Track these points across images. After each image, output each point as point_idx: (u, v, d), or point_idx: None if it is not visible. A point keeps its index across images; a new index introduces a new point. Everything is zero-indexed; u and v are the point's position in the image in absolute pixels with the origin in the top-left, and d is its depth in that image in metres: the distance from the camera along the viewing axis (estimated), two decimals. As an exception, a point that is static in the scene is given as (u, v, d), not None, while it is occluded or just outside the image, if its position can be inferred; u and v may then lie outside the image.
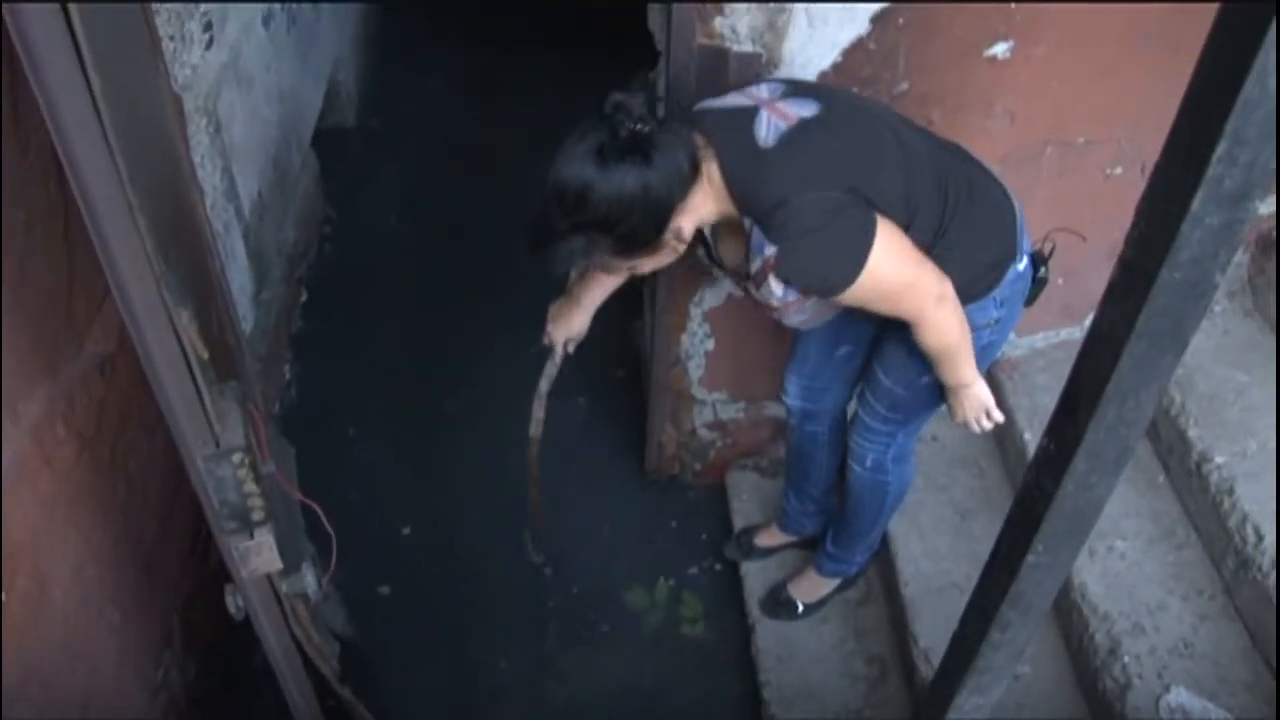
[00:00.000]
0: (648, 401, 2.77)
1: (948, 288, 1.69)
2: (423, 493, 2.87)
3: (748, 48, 2.00)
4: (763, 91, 1.69)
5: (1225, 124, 0.71)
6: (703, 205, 1.65)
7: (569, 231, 1.59)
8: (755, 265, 1.66)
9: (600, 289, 2.06)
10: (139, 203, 1.10)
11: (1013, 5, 1.98)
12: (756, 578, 2.58)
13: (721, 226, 1.79)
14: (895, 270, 1.63)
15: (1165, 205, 0.79)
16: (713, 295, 2.45)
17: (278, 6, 3.00)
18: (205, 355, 1.26)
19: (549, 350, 2.14)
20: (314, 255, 3.47)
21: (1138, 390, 0.91)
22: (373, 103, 4.18)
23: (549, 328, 2.12)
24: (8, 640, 1.47)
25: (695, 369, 2.62)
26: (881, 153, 1.66)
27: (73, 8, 0.94)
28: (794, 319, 1.80)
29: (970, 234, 1.74)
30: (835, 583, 2.48)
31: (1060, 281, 2.41)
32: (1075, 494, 1.00)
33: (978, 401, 1.86)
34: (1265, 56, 0.68)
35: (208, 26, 2.37)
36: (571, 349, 2.15)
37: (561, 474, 2.85)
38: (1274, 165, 0.74)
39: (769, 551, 2.61)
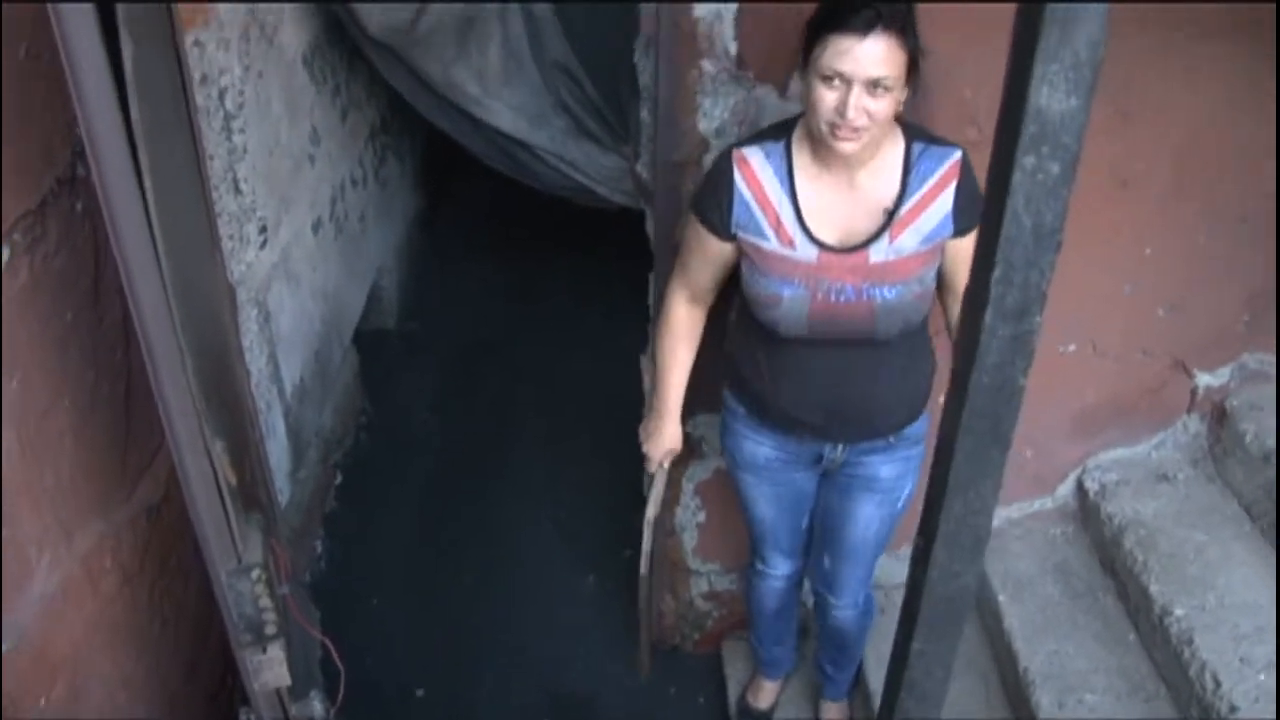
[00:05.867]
0: (650, 575, 2.93)
1: None
2: (438, 659, 3.01)
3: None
4: None
5: (996, 254, 0.95)
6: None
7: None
8: (922, 188, 1.78)
9: (677, 390, 2.11)
10: (191, 359, 1.37)
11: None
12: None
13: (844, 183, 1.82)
14: None
15: (970, 322, 1.02)
16: (702, 469, 2.65)
17: (326, 217, 3.39)
18: (234, 480, 1.49)
19: (650, 478, 2.14)
20: (350, 443, 3.75)
21: (976, 483, 1.10)
22: (412, 307, 4.55)
23: (646, 448, 2.17)
24: (43, 747, 1.64)
25: (689, 540, 2.79)
26: None
27: (154, 214, 1.24)
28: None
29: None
30: (848, 702, 2.68)
31: (1029, 454, 2.60)
32: (942, 581, 1.17)
33: None
34: (1014, 201, 0.93)
35: (263, 229, 2.72)
36: (668, 463, 2.21)
37: (570, 645, 3.00)
38: (1043, 286, 0.98)
39: (770, 712, 2.73)
